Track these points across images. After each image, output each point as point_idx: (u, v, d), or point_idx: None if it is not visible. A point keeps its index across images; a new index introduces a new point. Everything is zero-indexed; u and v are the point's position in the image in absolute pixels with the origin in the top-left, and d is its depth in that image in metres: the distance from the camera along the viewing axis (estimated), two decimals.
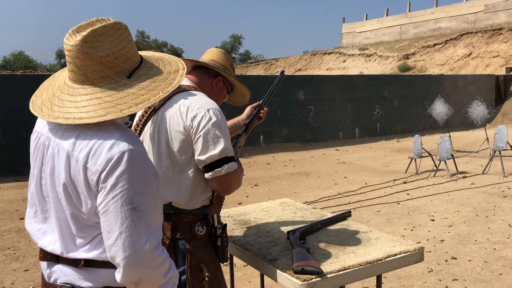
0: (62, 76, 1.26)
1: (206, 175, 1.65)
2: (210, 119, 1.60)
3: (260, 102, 2.10)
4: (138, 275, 1.10)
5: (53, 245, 1.20)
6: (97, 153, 1.10)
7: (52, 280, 1.21)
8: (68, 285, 1.18)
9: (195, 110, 1.62)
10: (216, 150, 1.60)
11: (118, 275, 1.11)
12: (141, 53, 1.28)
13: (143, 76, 1.20)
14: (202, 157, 1.62)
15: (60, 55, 50.15)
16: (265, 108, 2.10)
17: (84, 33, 1.13)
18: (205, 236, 1.72)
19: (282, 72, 2.24)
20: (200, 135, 1.60)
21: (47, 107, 1.17)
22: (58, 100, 1.17)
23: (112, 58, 1.15)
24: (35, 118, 1.29)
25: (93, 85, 1.15)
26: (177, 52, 49.02)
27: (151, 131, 1.72)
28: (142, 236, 1.10)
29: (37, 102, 1.21)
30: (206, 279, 1.68)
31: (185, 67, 1.29)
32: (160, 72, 1.24)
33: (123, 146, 1.11)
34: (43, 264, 1.24)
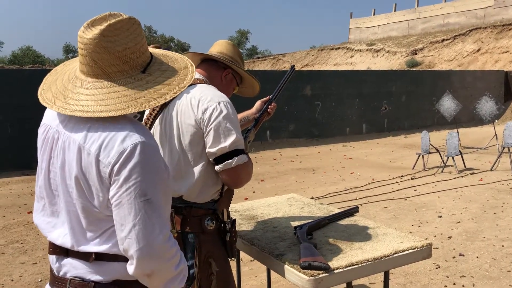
0: (69, 69, 1.26)
1: (217, 167, 1.65)
2: (221, 111, 1.61)
3: (270, 96, 2.09)
4: (152, 266, 1.11)
5: (63, 239, 1.20)
6: (109, 145, 1.10)
7: (61, 273, 1.21)
8: (78, 279, 1.18)
9: (206, 103, 1.62)
10: (226, 142, 1.61)
11: (131, 267, 1.11)
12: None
13: (157, 71, 1.22)
14: (213, 150, 1.62)
15: (68, 50, 50.32)
16: (273, 104, 2.09)
17: (102, 27, 1.13)
18: (214, 231, 1.72)
19: (293, 66, 2.22)
20: (211, 128, 1.61)
21: (60, 100, 1.17)
22: (72, 93, 1.17)
23: (129, 53, 1.16)
24: (44, 112, 1.28)
25: (109, 79, 1.16)
26: (184, 47, 49.06)
27: (162, 124, 1.73)
28: (155, 228, 1.10)
29: (47, 95, 1.20)
30: (215, 274, 1.68)
31: (192, 64, 1.29)
32: (171, 68, 1.25)
33: (135, 138, 1.11)
34: (52, 258, 1.24)
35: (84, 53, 1.15)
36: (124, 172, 1.08)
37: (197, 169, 1.67)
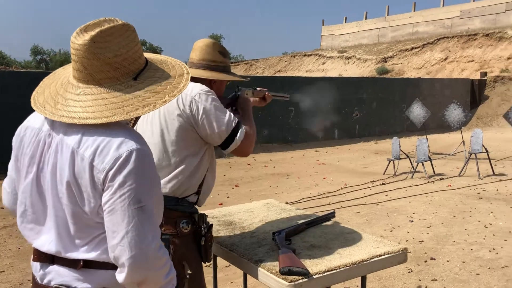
0: (64, 73, 1.24)
1: (224, 151, 1.76)
2: (206, 99, 1.69)
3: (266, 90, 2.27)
4: (143, 275, 1.09)
5: (49, 245, 1.16)
6: (104, 151, 1.09)
7: (45, 281, 1.18)
8: (64, 287, 1.15)
9: (189, 96, 1.69)
10: (222, 127, 1.69)
11: (122, 275, 1.09)
12: (145, 55, 1.27)
13: (149, 79, 1.20)
14: (214, 139, 1.71)
15: (35, 51, 49.15)
16: (267, 93, 2.27)
17: (93, 33, 1.13)
18: (189, 234, 1.74)
19: (287, 96, 2.49)
20: (203, 118, 1.68)
21: (50, 104, 1.15)
22: (62, 98, 1.15)
23: (120, 60, 1.15)
24: (22, 114, 1.26)
25: (99, 86, 1.15)
26: (156, 51, 48.56)
27: (144, 123, 1.77)
28: (147, 236, 1.09)
29: (39, 99, 1.19)
30: (187, 276, 1.69)
31: (189, 72, 1.29)
32: (165, 75, 1.24)
33: (131, 145, 1.10)
34: (36, 265, 1.20)
35: (75, 59, 1.15)
36: (119, 179, 1.07)
37: (176, 163, 1.72)
